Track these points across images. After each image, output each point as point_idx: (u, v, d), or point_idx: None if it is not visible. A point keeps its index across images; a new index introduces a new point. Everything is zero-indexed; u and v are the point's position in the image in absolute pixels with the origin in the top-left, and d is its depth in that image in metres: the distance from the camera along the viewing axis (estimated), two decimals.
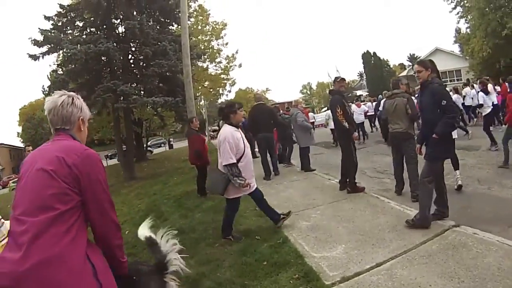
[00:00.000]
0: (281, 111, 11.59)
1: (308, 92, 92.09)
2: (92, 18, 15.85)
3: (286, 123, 9.79)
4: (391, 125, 6.09)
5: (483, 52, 26.02)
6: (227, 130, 4.71)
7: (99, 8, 14.47)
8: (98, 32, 15.91)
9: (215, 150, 11.64)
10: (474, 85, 14.32)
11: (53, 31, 15.35)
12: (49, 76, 17.99)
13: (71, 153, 1.70)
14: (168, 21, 17.68)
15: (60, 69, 16.79)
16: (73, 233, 1.60)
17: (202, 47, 20.51)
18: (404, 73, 49.94)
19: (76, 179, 1.66)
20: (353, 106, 13.18)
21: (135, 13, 16.01)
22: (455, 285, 2.93)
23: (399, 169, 6.13)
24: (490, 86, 10.78)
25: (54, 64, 18.84)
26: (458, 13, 30.00)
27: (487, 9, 25.17)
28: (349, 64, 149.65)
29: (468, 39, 29.22)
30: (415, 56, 63.36)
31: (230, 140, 4.56)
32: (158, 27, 16.83)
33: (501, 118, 10.92)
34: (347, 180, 6.51)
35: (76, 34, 16.10)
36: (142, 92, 15.88)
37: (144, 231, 2.63)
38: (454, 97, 11.05)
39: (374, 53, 58.17)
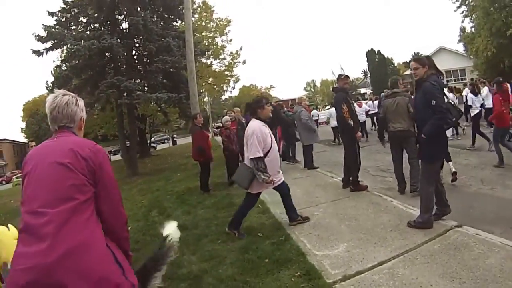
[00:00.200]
0: (285, 108, 11.60)
1: (312, 90, 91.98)
2: (95, 14, 15.84)
3: (290, 120, 9.80)
4: (392, 123, 6.01)
5: (488, 52, 25.84)
6: (255, 124, 4.74)
7: (103, 4, 14.49)
8: (102, 28, 15.96)
9: (219, 147, 11.70)
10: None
11: (56, 27, 15.39)
12: (53, 72, 18.06)
13: (84, 147, 1.79)
14: (172, 17, 17.68)
15: (64, 65, 16.82)
16: (93, 222, 1.70)
17: (206, 44, 20.57)
18: (408, 71, 49.82)
19: (91, 171, 1.75)
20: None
21: (138, 9, 15.99)
22: (457, 286, 2.93)
23: (400, 168, 6.13)
24: (486, 88, 10.86)
25: (58, 60, 18.93)
26: (462, 12, 29.80)
27: (491, 9, 24.99)
28: (353, 61, 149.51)
29: (472, 38, 29.03)
30: (419, 54, 63.14)
31: (258, 134, 4.59)
32: (162, 23, 16.84)
33: None
34: (350, 178, 6.51)
35: (79, 30, 16.09)
36: (146, 88, 15.89)
37: (173, 229, 2.51)
38: (450, 96, 11.07)
39: (379, 51, 57.88)
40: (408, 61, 67.32)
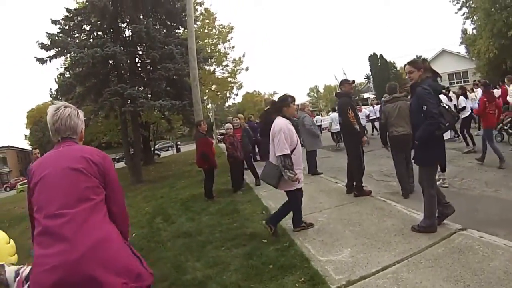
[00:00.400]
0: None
1: (315, 95, 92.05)
2: (98, 22, 15.92)
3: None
4: (395, 128, 6.09)
5: (490, 53, 25.86)
6: (281, 121, 4.75)
7: (106, 12, 14.55)
8: (105, 36, 16.04)
9: (222, 154, 11.74)
10: (474, 88, 14.31)
11: (60, 35, 15.48)
12: (57, 80, 18.19)
13: (93, 154, 1.95)
14: (175, 24, 17.75)
15: (68, 73, 16.97)
16: (108, 220, 1.85)
17: (209, 51, 20.57)
18: None
19: (102, 175, 1.90)
20: None
21: (141, 16, 16.08)
22: None
23: (403, 172, 6.18)
24: (479, 90, 11.08)
25: (61, 67, 19.03)
26: (464, 14, 29.93)
27: (492, 10, 25.04)
28: (356, 66, 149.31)
29: (474, 40, 29.08)
30: (421, 57, 63.01)
31: (285, 131, 4.61)
32: (164, 30, 16.89)
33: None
34: (354, 183, 6.51)
35: (83, 38, 16.21)
36: (149, 96, 15.90)
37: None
38: (444, 100, 11.20)
39: (381, 55, 57.85)
40: None
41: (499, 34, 24.69)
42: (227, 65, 22.45)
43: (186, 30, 14.98)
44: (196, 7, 20.77)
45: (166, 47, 15.14)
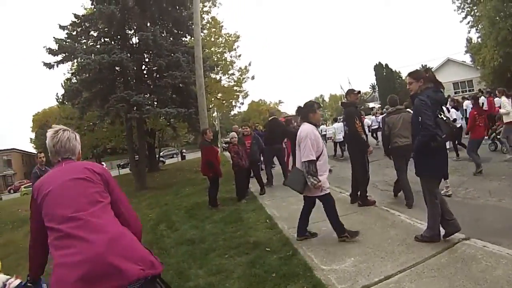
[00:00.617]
0: (295, 123, 11.69)
1: (321, 105, 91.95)
2: (106, 29, 16.10)
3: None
4: (399, 138, 6.22)
5: (494, 62, 25.79)
6: (308, 127, 4.76)
7: (113, 19, 14.70)
8: (112, 42, 16.23)
9: (227, 162, 11.76)
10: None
11: (67, 40, 15.68)
12: (63, 85, 18.33)
13: (94, 166, 2.13)
14: (181, 32, 17.88)
15: (74, 78, 17.10)
16: (117, 220, 1.98)
17: (215, 59, 20.67)
18: None
19: (105, 182, 2.07)
20: None
21: (148, 24, 16.25)
22: None
23: (407, 182, 6.23)
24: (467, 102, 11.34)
25: (68, 72, 19.17)
26: (468, 22, 30.00)
27: (497, 18, 25.03)
28: (361, 76, 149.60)
29: (479, 48, 29.02)
30: (427, 67, 62.89)
31: (311, 136, 4.62)
32: (171, 38, 17.00)
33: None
34: (358, 193, 6.51)
35: (90, 44, 16.39)
36: (155, 103, 16.02)
37: None
38: (453, 111, 11.40)
39: (386, 64, 57.68)
40: None
41: (503, 43, 24.65)
42: (233, 74, 22.50)
43: (192, 38, 15.07)
44: (203, 15, 20.90)
45: (172, 55, 15.27)
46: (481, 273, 3.28)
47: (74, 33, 16.23)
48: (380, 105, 42.76)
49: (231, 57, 22.39)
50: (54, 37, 15.24)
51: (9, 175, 57.90)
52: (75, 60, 15.94)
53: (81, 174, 2.00)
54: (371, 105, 58.44)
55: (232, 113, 46.60)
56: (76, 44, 15.62)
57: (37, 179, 7.23)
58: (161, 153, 33.11)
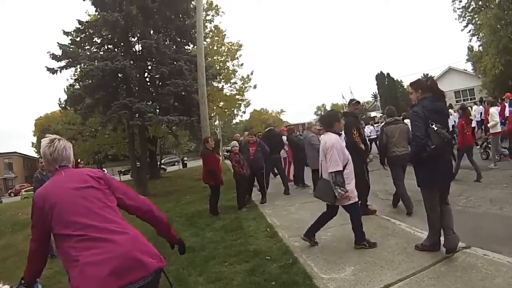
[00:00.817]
0: (298, 132, 11.74)
1: (323, 114, 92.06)
2: (109, 36, 16.27)
3: (301, 144, 9.85)
4: (397, 148, 6.39)
5: (496, 70, 25.76)
6: (333, 137, 4.73)
7: (117, 26, 14.83)
8: (116, 49, 16.40)
9: (228, 170, 11.78)
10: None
11: (71, 46, 15.79)
12: (66, 90, 18.44)
13: (93, 171, 2.25)
14: (184, 41, 18.03)
15: (77, 84, 17.22)
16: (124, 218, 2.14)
17: (218, 68, 20.75)
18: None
19: (108, 185, 2.21)
20: None
21: (152, 32, 16.36)
22: None
23: (405, 190, 6.35)
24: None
25: (71, 78, 19.28)
26: (470, 31, 30.07)
27: (498, 26, 25.04)
28: (363, 85, 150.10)
29: (480, 57, 29.00)
30: (428, 76, 62.77)
31: (337, 146, 4.61)
32: (174, 46, 17.15)
33: None
34: (359, 202, 6.52)
35: (93, 50, 16.53)
36: (158, 110, 16.08)
37: None
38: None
39: (388, 74, 57.48)
40: None
41: (504, 50, 24.64)
42: (235, 83, 22.63)
43: (195, 46, 15.14)
44: (206, 24, 21.05)
45: (175, 63, 15.37)
46: (481, 281, 3.28)
47: (78, 39, 16.40)
48: (381, 114, 42.81)
49: (233, 65, 22.57)
50: (58, 43, 15.37)
51: (10, 178, 58.05)
52: (79, 66, 16.13)
53: (87, 182, 2.12)
54: (373, 114, 58.26)
55: (234, 121, 46.66)
56: (80, 50, 15.73)
57: (38, 183, 7.36)
58: (162, 161, 33.18)
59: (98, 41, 16.94)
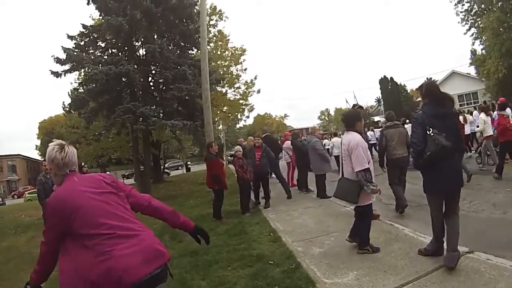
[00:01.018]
0: (303, 137, 11.75)
1: (326, 118, 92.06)
2: (113, 40, 16.40)
3: (305, 149, 9.86)
4: (396, 151, 6.61)
5: (499, 73, 25.75)
6: (356, 136, 4.72)
7: (121, 30, 14.94)
8: (120, 54, 16.53)
9: (232, 175, 11.79)
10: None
11: (75, 50, 15.92)
12: (70, 94, 18.53)
13: (105, 176, 2.45)
14: (188, 45, 18.08)
15: (81, 88, 17.29)
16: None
17: (221, 72, 20.76)
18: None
19: (120, 189, 2.42)
20: None
21: (156, 36, 16.47)
22: None
23: (399, 189, 6.69)
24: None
25: (75, 82, 19.36)
26: (472, 34, 30.03)
27: (501, 29, 25.04)
28: (367, 89, 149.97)
29: (483, 60, 29.02)
30: (431, 79, 62.50)
31: (362, 145, 4.61)
32: (178, 51, 17.18)
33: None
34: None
35: (97, 54, 16.65)
36: (161, 115, 16.15)
37: None
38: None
39: (391, 78, 57.39)
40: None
41: (507, 54, 24.63)
42: (239, 87, 22.60)
43: (199, 51, 15.20)
44: (210, 29, 21.08)
45: (179, 67, 15.45)
46: (484, 286, 3.28)
47: (82, 43, 16.54)
48: (385, 118, 42.73)
49: (237, 70, 22.53)
50: (62, 47, 15.51)
51: (13, 180, 58.39)
52: (83, 70, 16.21)
53: (104, 188, 2.32)
54: (376, 118, 58.24)
55: (238, 126, 46.62)
56: (84, 54, 15.87)
57: (42, 186, 7.42)
58: (166, 165, 33.20)
59: (102, 45, 17.07)
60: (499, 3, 25.94)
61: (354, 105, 7.19)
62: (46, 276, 2.31)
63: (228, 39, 22.45)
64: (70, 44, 16.24)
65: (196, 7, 16.78)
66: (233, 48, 22.46)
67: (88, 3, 16.17)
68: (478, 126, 11.15)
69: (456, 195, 4.05)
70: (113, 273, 1.98)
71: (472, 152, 12.87)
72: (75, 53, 15.57)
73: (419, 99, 4.34)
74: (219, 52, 22.11)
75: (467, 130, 13.05)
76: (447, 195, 4.01)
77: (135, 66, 15.24)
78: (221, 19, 22.46)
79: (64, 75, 15.86)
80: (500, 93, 26.13)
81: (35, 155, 67.80)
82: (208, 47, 17.49)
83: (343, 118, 5.37)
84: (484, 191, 7.48)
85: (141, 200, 2.59)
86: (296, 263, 4.60)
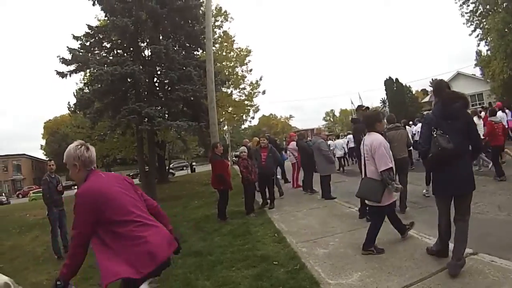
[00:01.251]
0: (309, 138, 11.74)
1: (331, 119, 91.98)
2: (119, 40, 16.38)
3: (311, 150, 9.86)
4: (398, 152, 6.58)
5: (504, 74, 25.58)
6: (378, 136, 4.80)
7: (126, 31, 14.93)
8: (125, 54, 16.48)
9: (237, 176, 11.81)
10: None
11: (81, 50, 15.93)
12: (75, 94, 18.61)
13: (125, 177, 2.85)
14: (194, 46, 17.98)
15: (86, 88, 17.37)
16: None
17: (227, 73, 20.69)
18: (427, 99, 49.18)
19: (137, 189, 2.85)
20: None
21: (161, 37, 16.45)
22: None
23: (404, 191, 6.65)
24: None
25: (80, 82, 19.40)
26: (478, 35, 29.84)
27: (506, 30, 24.88)
28: (372, 90, 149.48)
29: (488, 61, 28.80)
30: (439, 79, 61.79)
31: (385, 145, 4.68)
32: (183, 52, 17.11)
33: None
34: (367, 208, 6.52)
35: (103, 55, 16.62)
36: (167, 115, 16.15)
37: None
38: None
39: (397, 79, 56.98)
40: (426, 89, 66.67)
41: None
42: (244, 88, 22.47)
43: (204, 52, 15.19)
44: (215, 30, 21.03)
45: (184, 68, 15.38)
46: (487, 287, 3.29)
47: (88, 43, 16.49)
48: None
49: (242, 71, 22.39)
50: (67, 47, 15.52)
51: (18, 179, 58.81)
52: (88, 71, 16.24)
53: (128, 185, 2.71)
54: None
55: (243, 127, 46.67)
56: (89, 55, 15.88)
57: (47, 185, 7.57)
58: (171, 165, 33.26)
59: (108, 46, 17.05)
60: (504, 4, 25.80)
61: (359, 106, 7.19)
62: (76, 270, 2.38)
63: (234, 40, 22.37)
64: (76, 45, 16.25)
65: (202, 8, 16.80)
66: (238, 49, 22.39)
67: (93, 4, 16.18)
68: None
69: (465, 199, 3.91)
70: (152, 254, 2.37)
71: None
72: (80, 53, 15.59)
73: (424, 100, 4.34)
74: (224, 53, 22.05)
75: None
76: (455, 198, 3.95)
77: (141, 67, 15.21)
78: (226, 20, 22.40)
79: (70, 76, 15.87)
80: (505, 94, 26.02)
81: (40, 155, 68.31)
82: (214, 48, 17.48)
83: (363, 120, 5.42)
84: (489, 193, 7.45)
85: (150, 201, 2.91)
86: (301, 264, 4.62)
